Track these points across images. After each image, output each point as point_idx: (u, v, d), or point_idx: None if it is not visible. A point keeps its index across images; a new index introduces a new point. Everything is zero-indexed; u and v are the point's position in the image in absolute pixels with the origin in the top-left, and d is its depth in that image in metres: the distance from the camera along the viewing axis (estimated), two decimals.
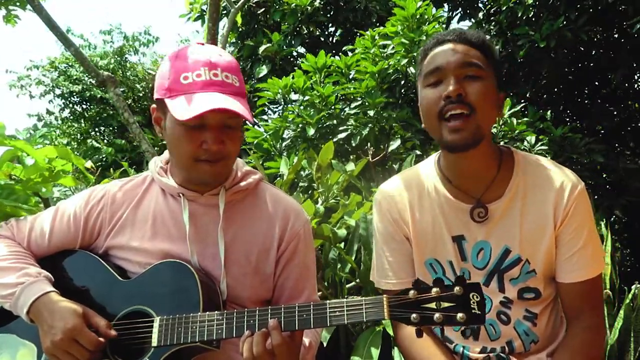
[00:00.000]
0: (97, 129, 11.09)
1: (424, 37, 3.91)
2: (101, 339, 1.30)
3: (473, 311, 1.13)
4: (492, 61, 1.43)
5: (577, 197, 1.40)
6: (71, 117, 11.34)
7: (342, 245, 2.66)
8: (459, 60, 1.37)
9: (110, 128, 10.94)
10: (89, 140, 9.97)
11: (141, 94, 11.04)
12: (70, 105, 11.25)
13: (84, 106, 11.24)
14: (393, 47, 4.02)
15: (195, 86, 1.33)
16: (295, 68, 4.32)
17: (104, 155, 8.79)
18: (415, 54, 3.88)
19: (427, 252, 1.52)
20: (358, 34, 4.39)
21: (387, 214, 1.56)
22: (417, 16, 3.99)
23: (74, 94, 10.73)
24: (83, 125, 11.04)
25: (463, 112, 1.35)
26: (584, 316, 1.44)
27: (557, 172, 1.45)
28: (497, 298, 1.48)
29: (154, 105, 1.45)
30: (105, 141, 10.31)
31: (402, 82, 4.10)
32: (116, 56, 11.78)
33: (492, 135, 1.53)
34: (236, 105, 1.32)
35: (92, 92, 10.62)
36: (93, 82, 10.43)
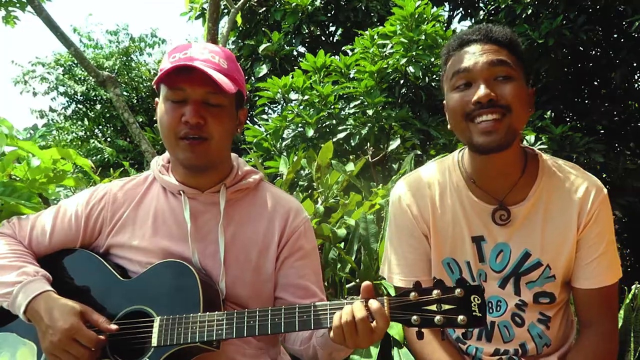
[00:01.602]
0: (100, 128, 11.12)
1: (423, 37, 3.90)
2: (101, 337, 1.30)
3: (474, 313, 1.13)
4: (520, 58, 1.39)
5: (601, 203, 1.40)
6: (75, 116, 11.36)
7: (341, 245, 2.66)
8: (487, 61, 1.33)
9: (113, 128, 10.96)
10: (91, 140, 9.99)
11: (145, 94, 11.06)
12: (74, 104, 11.26)
13: (88, 105, 11.26)
14: (392, 47, 4.02)
15: (179, 61, 1.37)
16: (296, 67, 4.31)
17: (106, 156, 8.81)
18: (414, 53, 3.88)
19: (446, 251, 1.50)
20: (358, 33, 4.38)
21: (407, 209, 1.52)
22: (416, 15, 3.98)
23: (78, 93, 10.76)
24: (87, 124, 11.06)
25: (496, 117, 1.31)
26: (598, 323, 1.44)
27: (582, 177, 1.43)
28: (512, 301, 1.47)
29: (157, 99, 1.49)
30: (108, 141, 10.33)
31: (402, 81, 4.09)
32: (122, 56, 11.80)
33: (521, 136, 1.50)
34: (213, 72, 1.34)
35: (97, 92, 10.64)
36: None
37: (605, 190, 1.42)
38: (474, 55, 1.34)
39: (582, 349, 1.44)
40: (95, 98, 10.83)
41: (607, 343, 1.44)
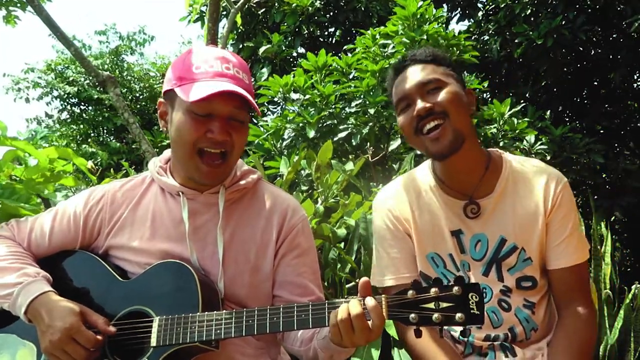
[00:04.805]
0: (95, 131, 11.10)
1: (425, 37, 3.91)
2: (99, 337, 1.31)
3: (472, 311, 1.14)
4: (448, 67, 1.58)
5: (563, 189, 1.55)
6: (69, 120, 11.34)
7: (341, 245, 2.66)
8: (417, 80, 1.53)
9: (107, 130, 10.95)
10: (83, 145, 9.98)
11: (138, 94, 11.05)
12: (69, 107, 11.25)
13: (82, 107, 11.25)
14: (393, 47, 4.02)
15: (207, 75, 1.36)
16: (295, 69, 4.31)
17: (99, 159, 8.81)
18: None
19: (429, 246, 1.63)
20: (358, 33, 4.38)
21: (388, 212, 1.66)
22: (418, 16, 3.99)
23: (71, 95, 10.74)
24: (81, 127, 11.05)
25: (438, 123, 1.49)
26: (574, 302, 1.54)
27: (543, 168, 1.60)
28: (496, 287, 1.57)
29: (161, 100, 1.47)
30: (103, 144, 10.32)
31: None
32: (112, 56, 11.78)
33: (476, 133, 1.68)
34: (244, 94, 1.36)
35: (87, 93, 10.62)
36: (89, 83, 10.44)
37: (566, 179, 1.59)
38: (407, 80, 1.55)
39: (564, 331, 1.52)
40: (87, 99, 10.82)
41: (586, 319, 1.52)
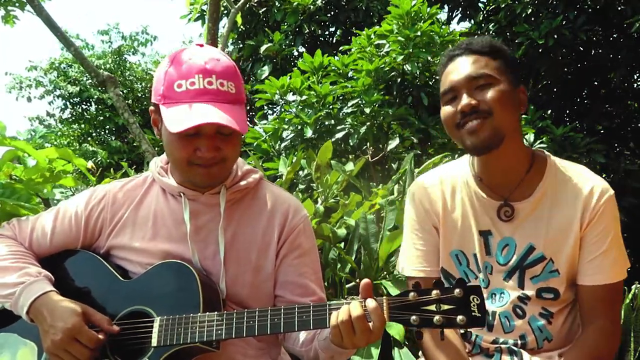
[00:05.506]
0: (96, 130, 11.12)
1: (419, 34, 3.91)
2: (101, 337, 1.31)
3: (473, 314, 1.14)
4: (504, 61, 1.47)
5: (606, 202, 1.44)
6: (71, 119, 11.36)
7: (341, 245, 2.66)
8: (468, 74, 1.44)
9: (108, 129, 10.96)
10: (84, 145, 9.99)
11: (140, 94, 11.06)
12: (70, 106, 11.26)
13: (84, 106, 11.26)
14: (389, 46, 4.03)
15: (188, 95, 1.32)
16: (295, 68, 4.31)
17: (99, 158, 8.82)
18: (410, 50, 3.89)
19: (454, 243, 1.58)
20: (356, 33, 4.39)
21: (419, 203, 1.62)
22: (412, 14, 3.99)
23: (72, 94, 10.75)
24: (83, 126, 11.06)
25: (481, 121, 1.41)
26: (599, 320, 1.45)
27: (588, 178, 1.49)
28: (515, 293, 1.52)
29: (151, 108, 1.46)
30: (103, 143, 10.34)
31: (399, 79, 4.10)
32: (114, 56, 11.79)
33: (521, 135, 1.57)
34: (226, 118, 1.30)
35: (89, 93, 10.63)
36: (91, 82, 10.46)
37: (612, 192, 1.47)
38: (457, 71, 1.47)
39: (581, 343, 1.46)
40: (88, 99, 10.82)
41: (607, 339, 1.46)
